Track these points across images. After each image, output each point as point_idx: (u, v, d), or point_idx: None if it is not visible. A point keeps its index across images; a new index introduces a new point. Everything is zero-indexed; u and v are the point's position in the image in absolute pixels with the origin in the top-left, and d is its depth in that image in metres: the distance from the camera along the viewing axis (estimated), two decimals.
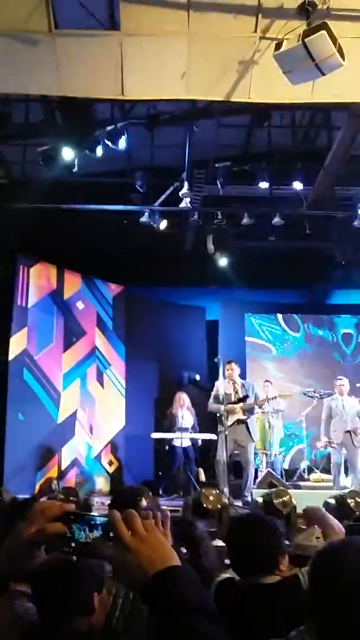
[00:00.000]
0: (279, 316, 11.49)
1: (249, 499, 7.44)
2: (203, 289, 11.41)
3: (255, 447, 8.70)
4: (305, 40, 4.60)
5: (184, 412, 9.38)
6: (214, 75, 5.51)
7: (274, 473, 8.45)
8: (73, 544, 1.16)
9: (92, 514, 1.20)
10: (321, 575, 1.34)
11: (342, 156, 7.75)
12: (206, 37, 5.33)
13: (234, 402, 8.33)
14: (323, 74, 4.75)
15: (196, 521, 2.87)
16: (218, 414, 8.29)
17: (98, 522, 1.16)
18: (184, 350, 11.16)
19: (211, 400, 8.51)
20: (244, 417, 8.26)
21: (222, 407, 8.21)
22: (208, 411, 8.71)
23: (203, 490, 5.72)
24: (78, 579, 1.89)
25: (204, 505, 5.41)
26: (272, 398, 8.74)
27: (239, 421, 8.24)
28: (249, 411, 8.38)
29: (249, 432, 8.30)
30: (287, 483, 8.20)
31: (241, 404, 8.32)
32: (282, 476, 8.71)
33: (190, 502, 5.70)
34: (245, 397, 8.38)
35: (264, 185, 8.46)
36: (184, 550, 2.19)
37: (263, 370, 11.06)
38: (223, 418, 8.13)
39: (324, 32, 4.58)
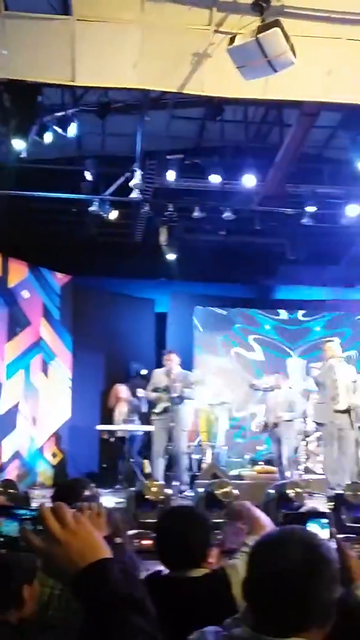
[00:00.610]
0: (228, 310, 11.58)
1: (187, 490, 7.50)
2: (152, 281, 11.39)
3: (200, 439, 8.70)
4: (259, 36, 4.62)
5: (122, 404, 9.35)
6: (167, 66, 5.47)
7: (217, 465, 8.52)
8: (1, 538, 1.14)
9: (22, 507, 1.18)
10: (261, 564, 1.36)
11: (293, 154, 7.86)
12: (160, 27, 5.29)
13: (164, 390, 8.30)
14: (275, 71, 4.79)
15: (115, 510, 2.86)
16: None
17: (28, 516, 1.14)
18: (132, 342, 11.13)
19: (148, 388, 8.53)
20: (170, 405, 8.20)
21: (153, 394, 8.25)
22: (147, 400, 8.73)
23: (146, 481, 5.75)
24: (6, 572, 1.87)
25: (147, 496, 5.44)
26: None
27: (166, 409, 8.21)
28: (177, 399, 8.23)
29: (176, 420, 8.16)
30: (230, 474, 8.29)
31: (169, 392, 8.25)
32: (226, 468, 8.80)
33: (133, 494, 5.73)
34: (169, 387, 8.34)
35: (215, 179, 8.48)
36: (119, 540, 2.18)
37: (211, 363, 11.13)
38: (155, 406, 8.14)
39: (277, 29, 4.60)
